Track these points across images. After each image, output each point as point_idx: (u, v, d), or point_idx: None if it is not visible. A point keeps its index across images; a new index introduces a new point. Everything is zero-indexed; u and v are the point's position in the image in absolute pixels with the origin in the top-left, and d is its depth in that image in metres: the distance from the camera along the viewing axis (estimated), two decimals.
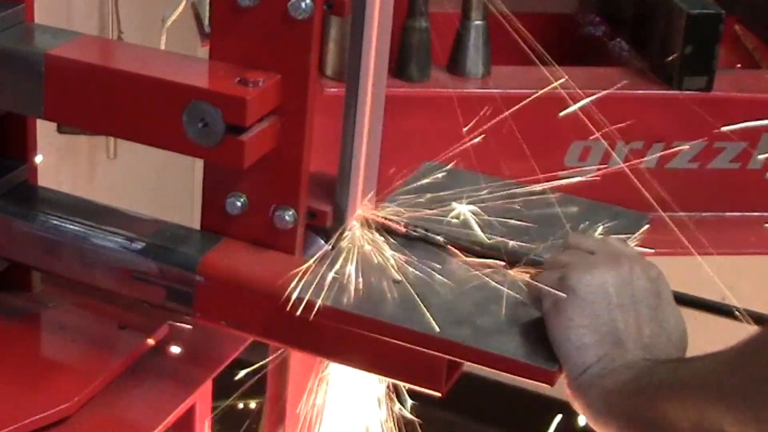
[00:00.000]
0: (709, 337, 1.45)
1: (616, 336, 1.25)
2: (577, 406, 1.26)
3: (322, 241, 1.49)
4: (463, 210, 1.51)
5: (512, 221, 1.53)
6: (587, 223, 1.52)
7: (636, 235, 1.51)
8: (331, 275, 1.39)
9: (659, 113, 2.20)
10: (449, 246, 1.46)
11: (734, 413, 1.08)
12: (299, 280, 1.38)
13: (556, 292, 1.28)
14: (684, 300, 1.37)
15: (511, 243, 1.46)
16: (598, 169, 1.60)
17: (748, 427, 1.07)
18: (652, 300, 1.29)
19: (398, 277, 1.39)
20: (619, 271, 1.29)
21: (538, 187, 1.61)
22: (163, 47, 2.29)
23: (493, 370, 1.30)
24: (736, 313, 1.38)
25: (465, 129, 2.06)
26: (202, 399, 1.60)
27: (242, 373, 1.69)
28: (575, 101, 2.12)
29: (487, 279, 1.40)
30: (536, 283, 1.32)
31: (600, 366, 1.24)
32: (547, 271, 1.33)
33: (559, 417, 1.68)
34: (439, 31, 2.16)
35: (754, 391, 1.07)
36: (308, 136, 1.43)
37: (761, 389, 1.06)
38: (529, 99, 1.99)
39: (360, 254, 1.43)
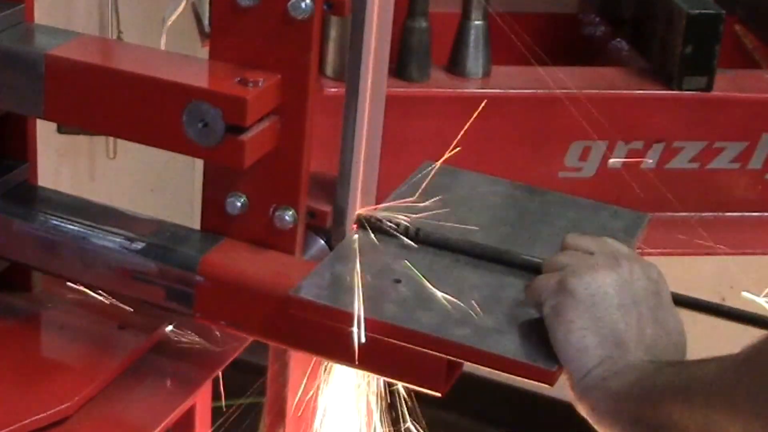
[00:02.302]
0: (708, 338, 1.45)
1: (617, 337, 1.25)
2: (581, 408, 1.25)
3: (322, 241, 1.49)
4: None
5: (512, 221, 1.53)
6: (586, 223, 1.52)
7: (636, 235, 1.51)
8: (331, 275, 1.40)
9: (659, 113, 2.20)
10: (447, 247, 1.46)
11: (742, 420, 1.08)
12: (299, 280, 1.38)
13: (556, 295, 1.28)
14: (683, 301, 1.37)
15: (508, 246, 1.46)
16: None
17: None
18: (652, 300, 1.29)
19: (398, 276, 1.39)
20: (619, 271, 1.29)
21: (537, 187, 1.61)
22: (163, 47, 2.29)
23: (493, 370, 1.30)
24: (736, 313, 1.38)
25: (465, 129, 2.06)
26: (202, 399, 1.60)
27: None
28: (575, 101, 2.13)
29: (487, 279, 1.40)
30: (535, 286, 1.32)
31: (603, 368, 1.23)
32: (545, 274, 1.33)
33: None
34: (439, 31, 2.16)
35: (761, 398, 1.06)
36: (308, 136, 1.43)
37: None
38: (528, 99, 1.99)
39: (360, 254, 1.43)
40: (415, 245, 1.46)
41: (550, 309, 1.27)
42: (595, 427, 1.25)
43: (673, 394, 1.17)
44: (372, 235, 1.47)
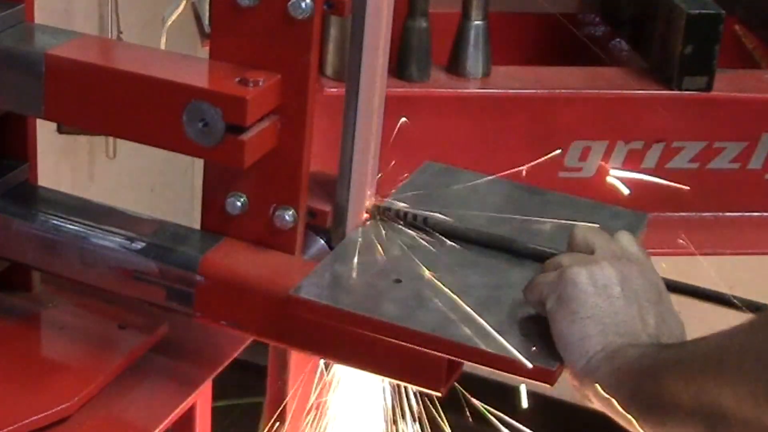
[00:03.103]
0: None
1: (620, 327, 1.25)
2: (584, 390, 1.25)
3: (322, 241, 1.49)
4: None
5: (512, 221, 1.53)
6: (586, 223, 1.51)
7: (636, 235, 1.51)
8: (331, 275, 1.40)
9: (659, 113, 2.20)
10: (456, 235, 1.46)
11: (732, 388, 1.09)
12: (299, 280, 1.38)
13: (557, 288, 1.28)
14: (684, 289, 1.37)
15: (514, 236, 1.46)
16: None
17: (744, 402, 1.08)
18: (653, 296, 1.30)
19: (399, 276, 1.39)
20: (619, 267, 1.29)
21: (538, 187, 1.61)
22: (163, 47, 2.29)
23: (493, 370, 1.30)
24: (735, 302, 1.39)
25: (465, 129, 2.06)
26: (202, 399, 1.60)
27: None
28: (574, 101, 2.13)
29: (487, 278, 1.40)
30: (536, 284, 1.32)
31: (604, 353, 1.24)
32: (545, 273, 1.33)
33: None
34: (439, 31, 2.16)
35: (751, 366, 1.07)
36: (308, 135, 1.43)
37: (758, 365, 1.07)
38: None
39: (361, 254, 1.44)
40: (417, 243, 1.46)
41: (553, 302, 1.27)
42: (597, 404, 1.25)
43: (673, 365, 1.18)
44: (372, 235, 1.47)
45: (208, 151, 1.38)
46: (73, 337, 1.58)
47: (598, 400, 1.24)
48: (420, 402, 1.55)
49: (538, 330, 1.29)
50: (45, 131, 1.66)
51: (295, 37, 1.38)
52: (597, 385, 1.23)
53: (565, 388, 1.30)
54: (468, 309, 1.34)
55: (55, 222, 1.53)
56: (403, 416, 1.56)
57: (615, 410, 1.23)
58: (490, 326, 1.31)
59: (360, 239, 1.47)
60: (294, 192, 1.45)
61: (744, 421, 1.09)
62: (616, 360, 1.22)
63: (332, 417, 1.57)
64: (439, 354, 1.33)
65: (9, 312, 1.60)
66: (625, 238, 1.38)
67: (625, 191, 1.50)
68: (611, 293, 1.26)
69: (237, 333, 1.52)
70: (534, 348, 1.29)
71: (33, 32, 1.52)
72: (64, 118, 1.53)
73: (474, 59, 2.18)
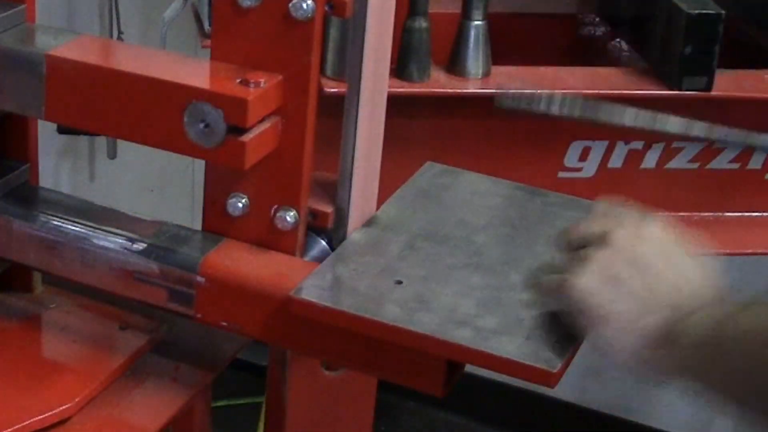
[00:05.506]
0: None
1: (643, 306, 1.27)
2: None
3: (323, 242, 1.49)
4: None
5: (512, 221, 1.53)
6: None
7: None
8: (332, 276, 1.40)
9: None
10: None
11: None
12: (300, 281, 1.38)
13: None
14: None
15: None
16: None
17: None
18: (660, 262, 1.30)
19: (399, 277, 1.39)
20: (618, 250, 1.29)
21: (539, 189, 1.61)
22: (163, 47, 2.29)
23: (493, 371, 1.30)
24: None
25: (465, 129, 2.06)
26: (202, 399, 1.60)
27: None
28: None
29: (488, 279, 1.41)
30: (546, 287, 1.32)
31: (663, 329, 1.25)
32: (548, 276, 1.33)
33: None
34: (439, 31, 2.16)
35: None
36: (309, 136, 1.43)
37: None
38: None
39: (361, 255, 1.44)
40: (418, 244, 1.46)
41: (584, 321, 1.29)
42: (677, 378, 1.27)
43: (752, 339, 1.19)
44: (373, 236, 1.47)
45: (209, 152, 1.38)
46: (74, 338, 1.58)
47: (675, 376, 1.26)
48: None
49: (539, 331, 1.30)
50: (45, 131, 1.66)
51: (297, 38, 1.38)
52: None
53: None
54: (469, 310, 1.34)
55: (56, 223, 1.54)
56: None
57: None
58: (491, 328, 1.32)
59: (361, 240, 1.47)
60: (295, 193, 1.45)
61: None
62: (682, 348, 1.23)
63: None
64: (440, 355, 1.33)
65: (10, 313, 1.61)
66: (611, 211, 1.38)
67: None
68: (617, 292, 1.27)
69: (238, 334, 1.52)
70: (535, 349, 1.29)
71: (34, 33, 1.52)
72: (65, 119, 1.53)
73: (474, 59, 2.18)
